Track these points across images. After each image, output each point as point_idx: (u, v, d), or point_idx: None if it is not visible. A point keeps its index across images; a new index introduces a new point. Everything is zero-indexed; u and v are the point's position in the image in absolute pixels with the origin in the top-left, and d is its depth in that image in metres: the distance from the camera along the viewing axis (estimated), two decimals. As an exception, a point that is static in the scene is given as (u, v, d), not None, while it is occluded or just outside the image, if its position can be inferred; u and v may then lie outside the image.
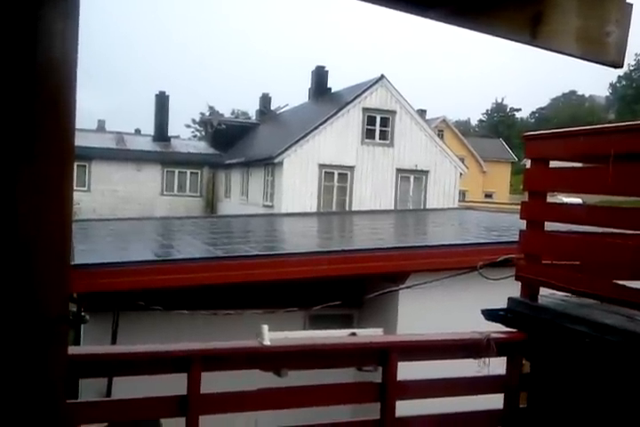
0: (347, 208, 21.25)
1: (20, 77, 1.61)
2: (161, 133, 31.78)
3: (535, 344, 3.12)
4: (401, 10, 1.51)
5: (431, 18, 1.53)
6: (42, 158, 1.68)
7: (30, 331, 1.71)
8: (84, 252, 6.62)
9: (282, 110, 33.15)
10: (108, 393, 5.44)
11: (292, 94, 35.25)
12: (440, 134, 35.89)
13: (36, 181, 1.67)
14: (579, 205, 4.56)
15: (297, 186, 21.01)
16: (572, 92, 79.34)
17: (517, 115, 79.57)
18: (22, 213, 1.67)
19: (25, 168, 1.65)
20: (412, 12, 1.52)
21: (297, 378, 2.86)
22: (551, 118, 70.39)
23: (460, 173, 23.45)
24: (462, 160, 27.70)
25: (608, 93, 75.17)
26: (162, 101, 32.48)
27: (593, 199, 21.36)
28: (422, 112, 35.18)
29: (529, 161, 3.34)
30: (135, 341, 4.19)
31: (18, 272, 1.68)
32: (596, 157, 3.21)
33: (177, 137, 35.86)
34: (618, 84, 71.55)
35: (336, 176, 21.56)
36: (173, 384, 2.62)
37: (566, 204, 4.23)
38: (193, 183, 28.86)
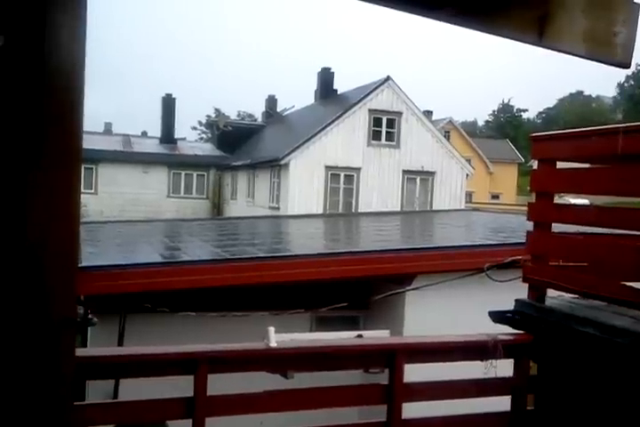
0: (353, 210, 21.23)
1: (28, 80, 1.62)
2: (167, 136, 31.89)
3: (542, 346, 3.10)
4: (408, 11, 1.51)
5: (438, 19, 1.53)
6: (50, 160, 1.69)
7: (38, 333, 1.72)
8: (92, 254, 6.64)
9: (288, 112, 33.18)
10: (115, 395, 5.45)
11: (297, 96, 35.35)
12: (446, 135, 35.84)
13: (43, 183, 1.68)
14: (586, 206, 4.54)
15: (303, 188, 21.02)
16: (579, 93, 79.08)
17: (524, 115, 79.31)
18: (30, 216, 1.68)
19: (33, 170, 1.66)
20: (418, 13, 1.51)
21: (303, 380, 2.86)
22: (558, 119, 70.13)
23: (467, 175, 23.40)
24: (469, 161, 27.62)
25: (615, 94, 74.98)
26: (168, 104, 32.61)
27: (600, 200, 21.27)
28: (428, 113, 35.13)
29: (536, 162, 3.33)
30: (142, 343, 4.21)
31: (26, 275, 1.69)
32: (603, 157, 3.19)
33: (183, 139, 35.96)
34: (625, 85, 71.28)
35: (342, 178, 21.56)
36: (180, 386, 2.63)
37: (573, 205, 4.22)
38: (199, 185, 28.92)
